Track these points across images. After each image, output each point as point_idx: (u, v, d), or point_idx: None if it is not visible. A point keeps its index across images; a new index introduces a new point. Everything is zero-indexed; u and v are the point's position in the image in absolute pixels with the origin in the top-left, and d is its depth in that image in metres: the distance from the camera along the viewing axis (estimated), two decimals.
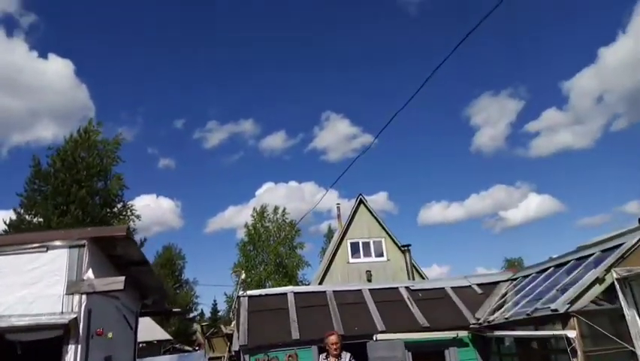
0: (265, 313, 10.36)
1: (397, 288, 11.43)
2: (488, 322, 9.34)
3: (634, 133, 61.34)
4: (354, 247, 22.93)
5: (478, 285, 11.52)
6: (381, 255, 22.70)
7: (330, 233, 46.27)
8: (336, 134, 62.15)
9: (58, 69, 44.61)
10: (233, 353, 9.66)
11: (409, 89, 64.63)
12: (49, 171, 24.46)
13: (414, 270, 13.14)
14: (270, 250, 38.48)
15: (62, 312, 7.23)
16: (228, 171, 67.10)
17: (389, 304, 10.66)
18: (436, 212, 61.06)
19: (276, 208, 41.56)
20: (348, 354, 5.82)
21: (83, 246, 7.62)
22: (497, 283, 11.53)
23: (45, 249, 7.52)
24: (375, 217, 23.54)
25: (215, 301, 48.28)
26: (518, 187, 66.94)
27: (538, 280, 9.68)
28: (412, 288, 11.40)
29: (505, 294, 10.53)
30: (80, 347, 7.07)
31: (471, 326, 9.79)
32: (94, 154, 26.13)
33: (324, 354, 6.01)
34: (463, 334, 9.65)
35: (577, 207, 67.98)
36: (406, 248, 13.23)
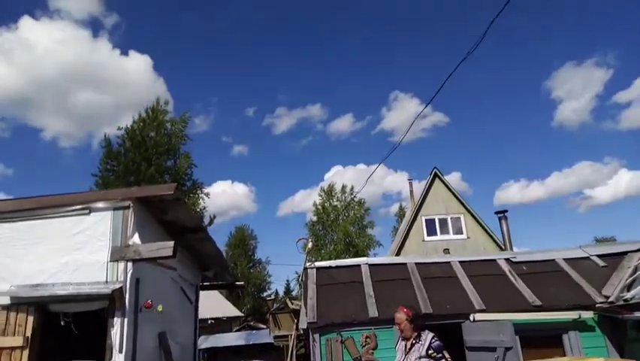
0: (336, 287, 8.90)
1: (495, 260, 9.47)
2: (625, 300, 7.20)
3: None
4: (430, 224, 21.16)
5: (599, 256, 9.26)
6: (460, 232, 20.77)
7: (401, 212, 44.11)
8: (405, 114, 59.52)
9: (138, 65, 46.82)
10: (301, 332, 8.35)
11: (478, 64, 60.15)
12: (120, 150, 24.72)
13: (509, 242, 11.03)
14: (340, 229, 37.37)
15: (107, 281, 6.27)
16: (297, 156, 67.34)
17: (487, 279, 8.77)
18: (514, 192, 56.56)
19: (343, 187, 40.35)
20: (430, 334, 4.42)
21: (128, 208, 6.63)
22: (624, 253, 9.19)
23: (87, 211, 6.65)
24: (452, 192, 21.49)
25: (288, 280, 48.32)
26: (607, 163, 60.51)
27: None
28: (513, 260, 9.39)
29: None
30: (126, 320, 6.09)
31: (598, 305, 7.68)
32: (161, 133, 26.14)
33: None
34: (586, 315, 7.57)
35: None
36: (502, 215, 11.14)
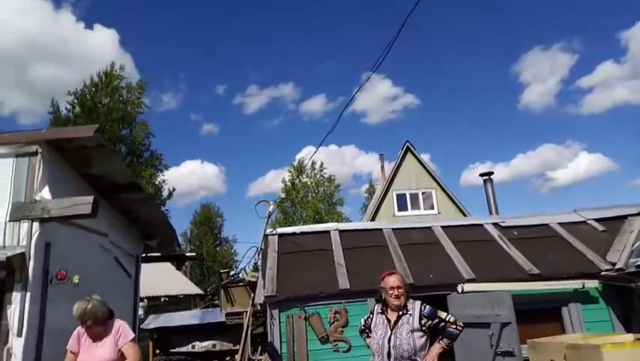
0: (301, 256, 7.57)
1: (482, 225, 8.32)
2: (638, 266, 6.14)
3: None
4: (401, 199, 20.34)
5: (597, 220, 8.25)
6: (432, 207, 20.02)
7: (371, 189, 43.12)
8: (377, 96, 58.31)
9: (103, 39, 43.62)
10: (258, 307, 7.03)
11: (453, 46, 59.77)
12: (69, 117, 22.63)
13: (495, 207, 9.93)
14: (309, 206, 36.14)
15: (4, 246, 4.88)
16: (269, 136, 65.08)
17: (474, 246, 7.61)
18: (479, 173, 56.57)
19: (313, 163, 38.94)
20: (417, 302, 3.63)
21: (35, 154, 5.09)
22: (624, 217, 8.20)
23: None
24: (424, 166, 20.66)
25: (256, 260, 47.01)
26: (568, 146, 61.78)
27: None
28: (502, 225, 8.27)
29: None
30: (29, 295, 4.80)
31: (603, 272, 6.63)
32: (116, 99, 24.07)
33: (380, 306, 3.76)
34: (591, 284, 6.52)
35: (630, 167, 62.14)
36: (487, 177, 10.01)
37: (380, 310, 3.70)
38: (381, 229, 8.24)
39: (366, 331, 3.85)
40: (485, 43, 60.64)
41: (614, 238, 7.59)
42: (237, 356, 7.21)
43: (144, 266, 9.88)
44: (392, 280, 3.61)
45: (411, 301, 3.61)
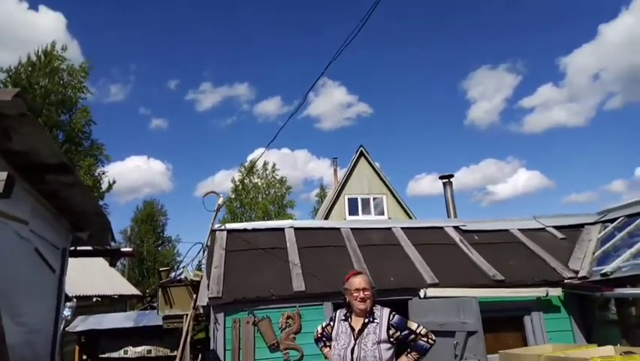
0: (252, 254, 6.88)
1: (443, 228, 7.97)
2: (603, 275, 5.94)
3: (626, 113, 60.02)
4: (352, 204, 20.21)
5: (557, 228, 8.13)
6: (382, 213, 19.96)
7: (322, 192, 42.79)
8: (332, 102, 58.34)
9: (49, 23, 40.34)
10: (200, 311, 6.27)
11: (406, 57, 61.20)
12: None
13: (454, 210, 9.65)
14: (259, 207, 35.25)
15: None
16: (220, 135, 62.94)
17: (436, 249, 7.23)
18: (426, 184, 58.40)
19: (265, 164, 38.12)
20: (386, 310, 3.19)
21: None
22: (581, 226, 8.15)
23: None
24: (376, 172, 20.60)
25: (200, 261, 45.29)
26: (509, 162, 64.85)
27: None
28: (463, 228, 7.97)
29: (608, 238, 7.17)
30: None
31: (566, 280, 6.41)
32: (55, 81, 22.23)
33: (343, 312, 3.28)
34: (554, 292, 6.28)
35: (565, 184, 66.26)
36: (447, 180, 9.74)
37: (343, 317, 3.22)
38: (339, 229, 7.70)
39: (323, 339, 3.37)
40: (438, 57, 62.38)
41: (574, 246, 7.47)
42: None
43: (75, 262, 8.72)
44: (358, 281, 3.16)
45: (378, 307, 3.17)
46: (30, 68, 21.90)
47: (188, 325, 6.29)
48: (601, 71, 59.86)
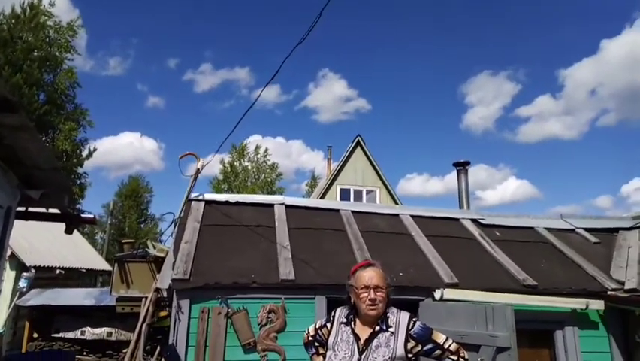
0: (233, 231, 5.67)
1: (459, 220, 6.82)
2: None
3: (619, 131, 61.05)
4: (344, 194, 19.36)
5: (587, 230, 7.03)
6: None
7: (313, 182, 41.64)
8: (331, 95, 57.17)
9: None
10: (163, 294, 5.09)
11: (407, 58, 60.40)
12: None
13: (467, 202, 8.51)
14: (247, 191, 34.03)
15: None
16: (216, 118, 61.50)
17: (452, 243, 6.07)
18: (416, 184, 57.87)
19: (257, 147, 36.87)
20: (404, 314, 2.36)
21: None
22: (615, 230, 7.05)
23: None
24: (372, 164, 19.68)
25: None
26: (500, 169, 64.84)
27: None
28: (482, 222, 6.83)
29: None
30: None
31: (610, 292, 5.31)
32: (39, 37, 20.78)
33: (346, 312, 2.45)
34: (595, 306, 5.17)
35: (551, 196, 66.65)
36: (462, 167, 8.60)
37: (345, 320, 2.42)
38: (338, 210, 6.51)
39: (316, 345, 2.59)
40: (441, 59, 61.60)
41: (611, 252, 6.37)
42: (126, 358, 5.22)
43: (39, 228, 7.45)
44: (368, 276, 2.35)
45: (394, 310, 2.37)
46: (13, 21, 20.41)
47: (147, 310, 5.11)
48: (598, 86, 60.27)
